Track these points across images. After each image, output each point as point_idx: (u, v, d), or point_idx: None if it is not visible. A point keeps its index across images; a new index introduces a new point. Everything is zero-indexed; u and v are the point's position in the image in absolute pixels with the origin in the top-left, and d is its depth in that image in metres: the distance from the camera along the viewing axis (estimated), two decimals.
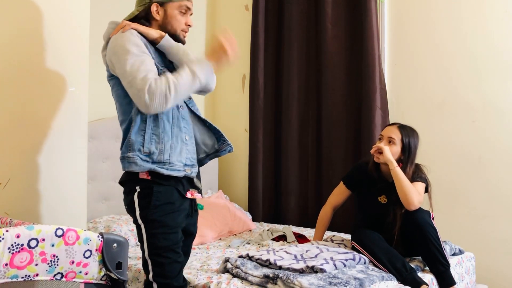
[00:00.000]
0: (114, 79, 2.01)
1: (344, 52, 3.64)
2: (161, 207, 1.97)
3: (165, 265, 1.97)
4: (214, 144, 2.18)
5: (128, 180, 2.01)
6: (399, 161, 2.69)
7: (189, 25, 2.12)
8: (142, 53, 1.94)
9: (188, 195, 2.06)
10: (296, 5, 3.83)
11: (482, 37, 3.26)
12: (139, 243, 2.98)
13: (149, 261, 1.97)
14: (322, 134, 3.70)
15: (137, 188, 1.98)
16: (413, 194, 2.55)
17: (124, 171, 2.04)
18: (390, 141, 2.68)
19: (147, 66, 1.90)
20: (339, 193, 2.93)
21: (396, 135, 2.68)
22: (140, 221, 1.98)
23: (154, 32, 2.03)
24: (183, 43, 2.12)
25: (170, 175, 1.98)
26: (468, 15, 3.30)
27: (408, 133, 2.69)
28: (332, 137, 3.66)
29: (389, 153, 2.63)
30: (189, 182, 2.08)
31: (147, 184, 1.97)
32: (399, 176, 2.58)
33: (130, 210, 2.02)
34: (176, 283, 2.00)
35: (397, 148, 2.67)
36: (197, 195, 2.10)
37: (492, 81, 3.23)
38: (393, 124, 2.78)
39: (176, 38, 2.08)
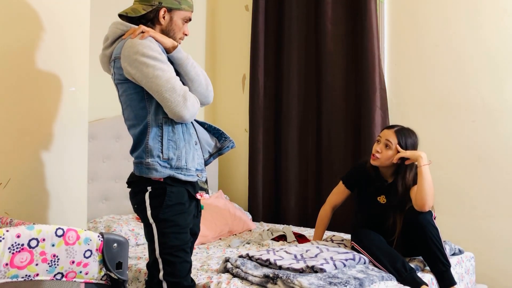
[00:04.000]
0: (126, 84, 2.00)
1: (344, 52, 3.64)
2: (173, 207, 2.00)
3: (176, 264, 2.00)
4: (216, 143, 2.22)
5: (138, 181, 2.03)
6: (394, 165, 2.69)
7: (186, 35, 2.15)
8: (167, 61, 1.98)
9: (198, 196, 2.10)
10: (296, 5, 3.83)
11: (481, 37, 3.26)
12: (139, 243, 3.02)
13: (159, 260, 1.99)
14: (322, 134, 3.70)
15: (149, 188, 2.00)
16: (430, 198, 2.55)
17: (133, 173, 2.06)
18: (387, 145, 2.68)
19: (176, 75, 1.98)
20: (339, 193, 2.93)
21: (393, 140, 2.67)
22: (151, 220, 2.00)
23: (168, 41, 2.03)
24: None
25: (188, 181, 2.03)
26: (468, 15, 3.30)
27: (406, 138, 2.67)
28: (332, 137, 3.66)
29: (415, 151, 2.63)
30: (198, 184, 2.11)
31: (160, 185, 1.99)
32: (426, 175, 2.56)
33: (140, 209, 2.04)
34: (185, 283, 2.03)
35: (393, 152, 2.66)
36: (205, 196, 2.13)
37: (492, 81, 3.23)
38: (391, 127, 2.76)
39: None
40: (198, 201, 2.14)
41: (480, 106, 3.26)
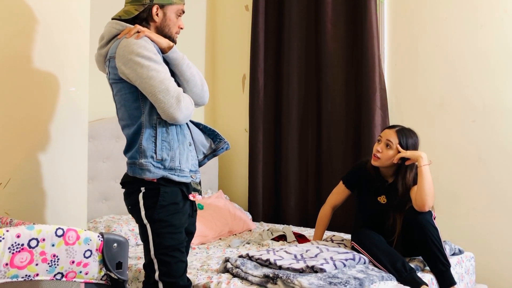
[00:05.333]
0: (121, 83, 2.00)
1: (344, 52, 3.64)
2: (167, 207, 1.99)
3: (172, 264, 2.00)
4: (211, 144, 2.22)
5: (132, 181, 2.03)
6: (395, 165, 2.69)
7: (181, 28, 2.14)
8: (162, 62, 1.97)
9: (191, 197, 2.09)
10: (296, 5, 3.83)
11: (482, 37, 3.26)
12: (139, 243, 3.02)
13: (155, 261, 1.99)
14: (322, 134, 3.70)
15: (142, 188, 2.00)
16: (430, 198, 2.55)
17: (126, 173, 2.06)
18: (388, 145, 2.68)
19: (171, 77, 1.97)
20: (339, 193, 2.93)
21: (394, 140, 2.67)
22: (145, 221, 1.99)
23: (163, 41, 2.03)
24: (175, 44, 2.13)
25: (181, 182, 2.02)
26: (467, 15, 3.30)
27: (406, 138, 2.67)
28: (332, 137, 3.66)
29: (417, 151, 2.63)
30: (191, 185, 2.11)
31: (153, 185, 1.99)
32: (426, 175, 2.56)
33: (134, 210, 2.03)
34: (181, 282, 2.03)
35: (394, 152, 2.66)
36: (198, 197, 2.13)
37: (492, 81, 3.23)
38: (392, 127, 2.76)
39: (171, 40, 2.10)
40: (192, 200, 2.14)
41: (480, 106, 3.26)
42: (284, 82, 3.88)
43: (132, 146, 2.02)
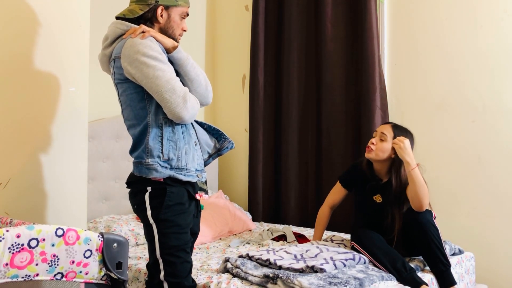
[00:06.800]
0: (126, 83, 2.00)
1: (344, 52, 3.64)
2: (173, 207, 2.00)
3: (177, 264, 2.00)
4: (215, 144, 2.22)
5: (137, 181, 2.03)
6: (388, 162, 2.68)
7: (185, 30, 2.15)
8: (167, 62, 1.98)
9: (197, 196, 2.10)
10: (296, 5, 3.83)
11: (481, 37, 3.26)
12: (139, 243, 3.02)
13: (160, 261, 1.99)
14: (322, 134, 3.70)
15: (148, 188, 2.00)
16: (426, 198, 2.55)
17: (132, 173, 2.06)
18: (382, 138, 2.68)
19: (176, 76, 1.98)
20: (336, 193, 2.93)
21: (389, 133, 2.67)
22: (151, 221, 2.00)
23: (168, 41, 2.03)
24: None
25: (187, 181, 2.03)
26: (467, 15, 3.30)
27: (401, 132, 2.68)
28: (332, 137, 3.66)
29: (409, 151, 2.56)
30: (197, 184, 2.11)
31: (160, 185, 1.99)
32: (416, 178, 2.53)
33: (140, 209, 2.03)
34: (186, 283, 2.04)
35: (388, 145, 2.66)
36: (205, 197, 2.13)
37: (492, 81, 3.23)
38: (388, 123, 2.79)
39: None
40: (197, 200, 2.14)
41: (479, 107, 3.26)
42: (284, 82, 3.88)
43: (138, 146, 2.03)
